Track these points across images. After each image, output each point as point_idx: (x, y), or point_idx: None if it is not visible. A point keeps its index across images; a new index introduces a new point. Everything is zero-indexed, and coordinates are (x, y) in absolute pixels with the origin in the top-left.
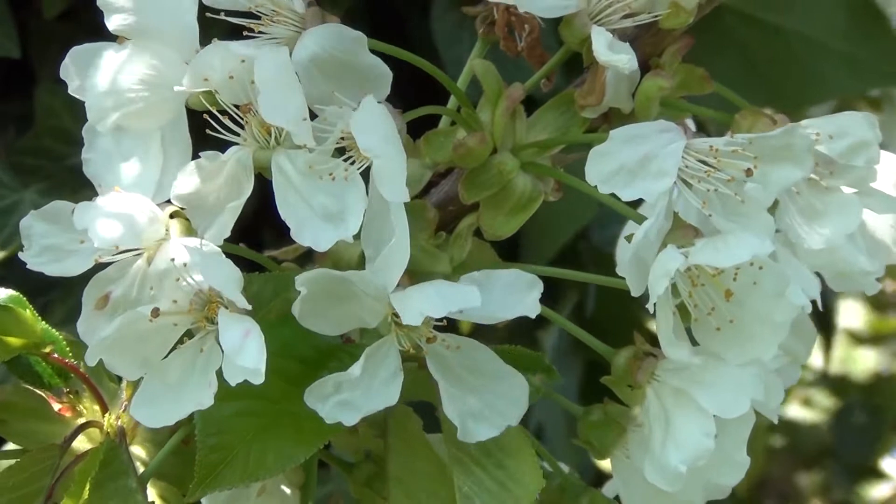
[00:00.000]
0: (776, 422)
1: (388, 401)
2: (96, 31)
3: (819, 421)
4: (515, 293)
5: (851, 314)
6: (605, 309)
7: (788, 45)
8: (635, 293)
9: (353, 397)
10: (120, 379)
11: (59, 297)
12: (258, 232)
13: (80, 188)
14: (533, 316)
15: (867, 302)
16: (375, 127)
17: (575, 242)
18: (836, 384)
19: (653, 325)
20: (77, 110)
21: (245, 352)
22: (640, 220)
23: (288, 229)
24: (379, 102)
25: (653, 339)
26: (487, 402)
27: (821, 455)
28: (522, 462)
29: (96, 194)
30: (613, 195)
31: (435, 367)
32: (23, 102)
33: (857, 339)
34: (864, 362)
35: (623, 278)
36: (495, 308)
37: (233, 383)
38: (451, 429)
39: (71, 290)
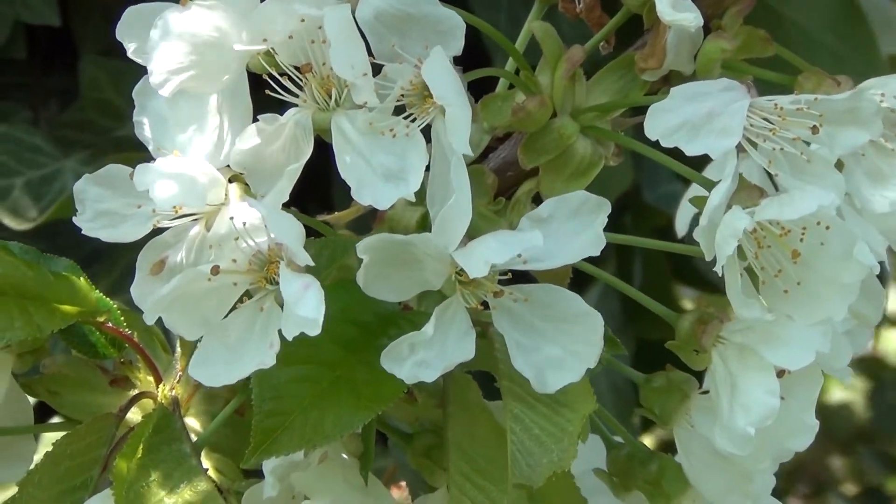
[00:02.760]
0: (848, 381)
1: (466, 355)
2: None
3: (853, 402)
4: (582, 216)
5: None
6: (644, 281)
7: (787, 35)
8: (709, 257)
9: (429, 356)
10: (173, 350)
11: (103, 270)
12: (305, 201)
13: None
14: (597, 251)
15: None
16: (448, 76)
17: (617, 212)
18: (870, 365)
19: (686, 295)
20: (121, 82)
21: (305, 301)
22: (707, 183)
23: (334, 198)
24: (453, 56)
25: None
26: (566, 347)
27: (854, 439)
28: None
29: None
30: (675, 158)
31: (504, 321)
32: (65, 76)
33: (891, 320)
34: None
35: (673, 242)
36: (560, 245)
37: (290, 336)
38: (511, 385)
39: (115, 262)
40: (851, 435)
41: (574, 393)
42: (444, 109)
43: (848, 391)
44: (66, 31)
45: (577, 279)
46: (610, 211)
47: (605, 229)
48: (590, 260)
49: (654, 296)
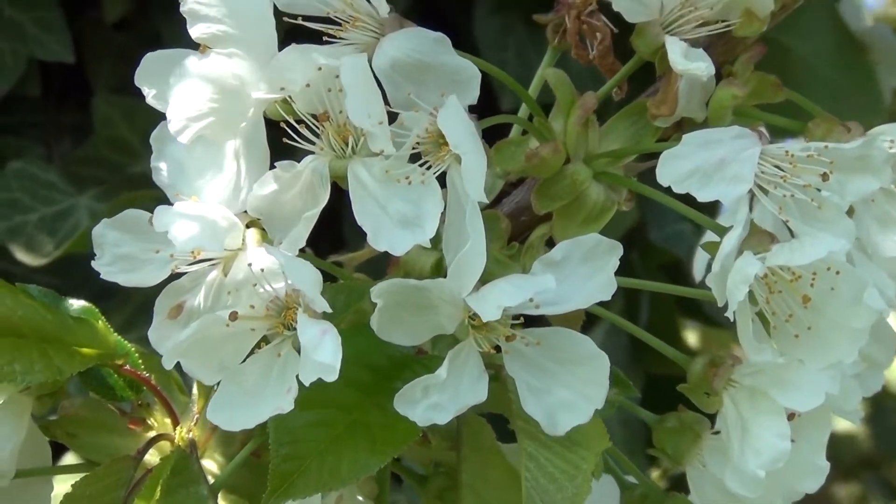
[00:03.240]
0: (857, 424)
1: (479, 398)
2: (153, 41)
3: (857, 431)
4: (595, 260)
5: None
6: (650, 318)
7: (786, 65)
8: (721, 302)
9: (442, 399)
10: (190, 392)
11: (115, 307)
12: (316, 241)
13: None
14: (609, 296)
15: None
16: (463, 124)
17: (625, 250)
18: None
19: (691, 335)
20: (134, 120)
21: (322, 347)
22: (719, 229)
23: (346, 239)
24: (469, 105)
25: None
26: (576, 389)
27: (859, 467)
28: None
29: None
30: (686, 203)
31: (516, 365)
32: (78, 113)
33: None
34: None
35: (680, 279)
36: (573, 288)
37: (307, 382)
38: (526, 425)
39: (128, 299)
40: (856, 463)
41: (588, 431)
42: (460, 157)
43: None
44: (79, 68)
45: (586, 315)
46: (622, 253)
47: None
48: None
49: (661, 331)
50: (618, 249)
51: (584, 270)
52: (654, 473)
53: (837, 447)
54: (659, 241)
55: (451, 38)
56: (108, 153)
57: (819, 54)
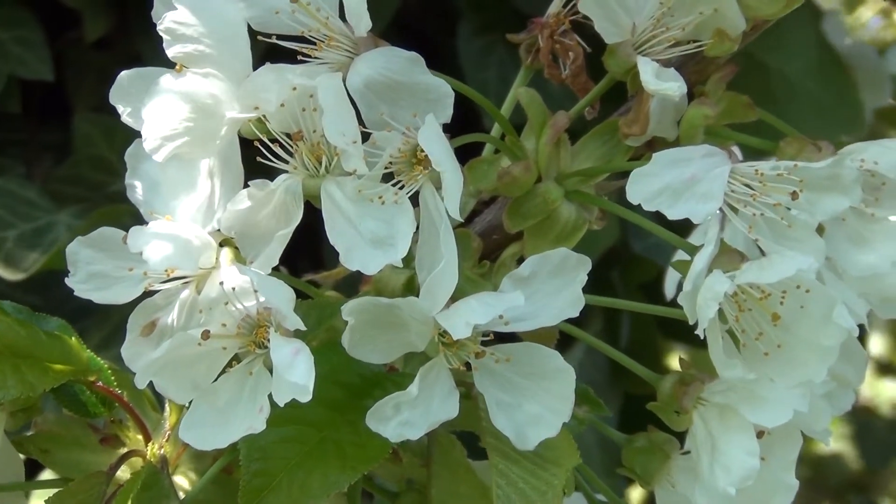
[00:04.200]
0: (828, 444)
1: (449, 414)
2: (133, 60)
3: (844, 452)
4: (564, 274)
5: (875, 345)
6: (630, 336)
7: (769, 83)
8: (692, 321)
9: (413, 416)
10: (162, 409)
11: (94, 325)
12: (295, 260)
13: None
14: (576, 312)
15: (891, 334)
16: (442, 141)
17: (604, 268)
18: (860, 414)
19: (673, 356)
20: (114, 139)
21: (295, 368)
22: (690, 248)
23: (324, 257)
24: (449, 123)
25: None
26: (544, 403)
27: (845, 488)
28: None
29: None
30: (658, 222)
31: (486, 381)
32: (58, 132)
33: (883, 369)
34: (888, 393)
35: (660, 297)
36: (541, 304)
37: (281, 402)
38: (496, 442)
39: (107, 318)
40: (843, 484)
41: (558, 448)
42: (433, 176)
43: (839, 442)
44: (60, 87)
45: (564, 335)
46: (590, 268)
47: (592, 288)
48: (579, 314)
49: (642, 351)
50: (586, 264)
51: (552, 285)
52: (635, 493)
53: (824, 469)
54: (640, 251)
55: (433, 58)
56: (89, 172)
57: (803, 72)
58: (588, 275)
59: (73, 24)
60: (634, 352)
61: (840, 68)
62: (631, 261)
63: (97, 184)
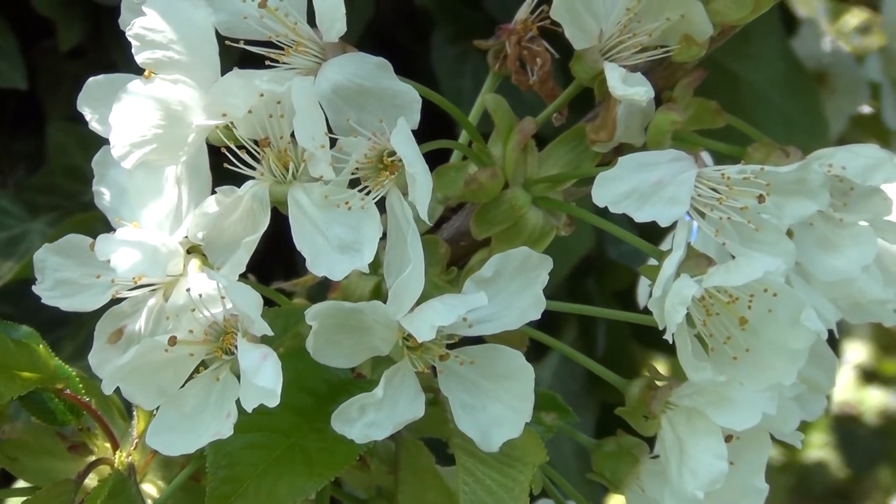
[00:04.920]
0: (799, 446)
1: (415, 414)
2: (106, 69)
3: (828, 460)
4: (526, 273)
5: (858, 354)
6: (606, 345)
7: (738, 93)
8: (661, 326)
9: (378, 418)
10: (130, 417)
11: (68, 334)
12: (269, 268)
13: None
14: (538, 314)
15: (875, 342)
16: (414, 145)
17: (579, 276)
18: (844, 422)
19: (658, 358)
20: (88, 148)
21: (263, 372)
22: (658, 253)
23: (298, 265)
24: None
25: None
26: (507, 403)
27: (830, 496)
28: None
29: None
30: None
31: (450, 384)
32: (32, 140)
33: (868, 377)
34: (873, 401)
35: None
36: (505, 305)
37: (249, 407)
38: (463, 442)
39: (81, 327)
40: (827, 492)
41: (524, 446)
42: (399, 182)
43: (824, 449)
44: (33, 96)
45: (539, 344)
46: (565, 276)
47: (568, 296)
48: (553, 322)
49: (618, 360)
50: (547, 263)
51: (515, 285)
52: (614, 499)
53: (809, 477)
54: (616, 257)
55: (407, 67)
56: (63, 180)
57: (769, 83)
58: (563, 283)
59: (47, 33)
60: (610, 361)
61: (807, 82)
62: (606, 268)
63: (71, 193)
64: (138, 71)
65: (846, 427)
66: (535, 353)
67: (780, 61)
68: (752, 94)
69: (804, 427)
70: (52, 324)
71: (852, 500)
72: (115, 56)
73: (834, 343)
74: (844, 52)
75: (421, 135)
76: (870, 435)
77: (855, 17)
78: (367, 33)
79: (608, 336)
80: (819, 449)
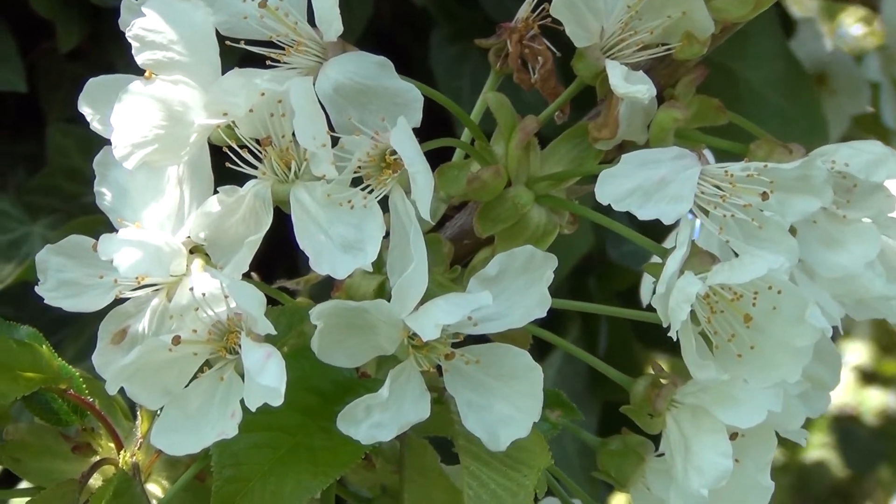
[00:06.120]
0: (804, 444)
1: (421, 416)
2: (106, 70)
3: (828, 460)
4: (531, 272)
5: (858, 354)
6: (608, 344)
7: (738, 91)
8: (665, 323)
9: (384, 418)
10: (134, 417)
11: (69, 337)
12: (272, 267)
13: None
14: (544, 312)
15: (875, 343)
16: (414, 143)
17: (581, 275)
18: (844, 422)
19: (660, 358)
20: (88, 149)
21: (267, 371)
22: (662, 251)
23: (300, 264)
24: (414, 129)
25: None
26: (514, 403)
27: (830, 496)
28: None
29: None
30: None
31: (456, 383)
32: (32, 142)
33: (867, 377)
34: (873, 401)
35: (636, 304)
36: (509, 303)
37: (253, 406)
38: (468, 444)
39: (83, 329)
40: (828, 492)
41: (529, 449)
42: (402, 180)
43: (823, 449)
44: (33, 98)
45: (542, 342)
46: (567, 275)
47: (569, 295)
48: (555, 321)
49: (620, 358)
50: (552, 260)
51: (519, 283)
52: (616, 501)
53: (808, 476)
54: (616, 258)
55: (407, 67)
56: (63, 183)
57: (767, 82)
58: (565, 282)
59: (47, 34)
60: (613, 360)
61: (805, 81)
62: (608, 268)
63: (71, 194)
64: (138, 72)
65: (846, 427)
66: (538, 351)
67: (778, 60)
68: (750, 93)
69: (804, 426)
70: (54, 326)
71: (852, 500)
72: (115, 57)
73: (836, 341)
74: (844, 53)
75: (421, 134)
76: (869, 435)
77: (850, 17)
78: (365, 33)
79: (610, 336)
80: (819, 449)
